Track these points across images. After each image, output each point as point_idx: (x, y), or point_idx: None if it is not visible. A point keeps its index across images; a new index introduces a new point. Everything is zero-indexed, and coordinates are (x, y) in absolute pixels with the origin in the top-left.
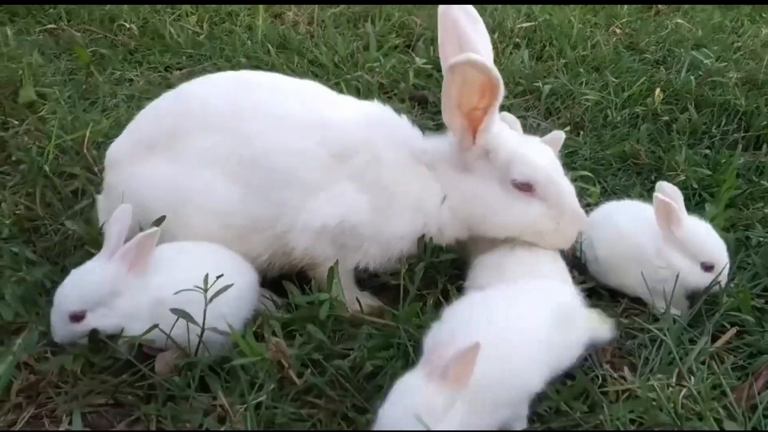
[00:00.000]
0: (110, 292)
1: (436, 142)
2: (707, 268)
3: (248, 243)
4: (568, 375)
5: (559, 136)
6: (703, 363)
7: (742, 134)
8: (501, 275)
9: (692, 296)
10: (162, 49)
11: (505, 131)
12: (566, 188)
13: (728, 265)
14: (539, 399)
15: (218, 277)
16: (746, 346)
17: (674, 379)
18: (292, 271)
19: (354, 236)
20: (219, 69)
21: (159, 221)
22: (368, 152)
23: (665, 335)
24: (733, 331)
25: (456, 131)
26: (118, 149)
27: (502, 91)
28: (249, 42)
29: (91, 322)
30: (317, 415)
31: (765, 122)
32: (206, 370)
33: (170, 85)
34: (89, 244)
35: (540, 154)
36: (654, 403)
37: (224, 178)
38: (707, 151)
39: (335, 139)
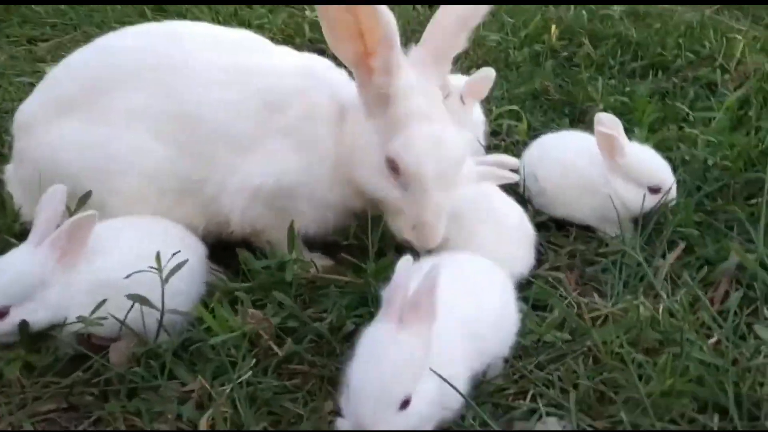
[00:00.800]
0: (37, 283)
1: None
2: (654, 190)
3: (181, 209)
4: (543, 307)
5: (489, 74)
6: (665, 280)
7: (639, 63)
8: (459, 221)
9: (636, 219)
10: (21, 20)
11: (422, 94)
12: (433, 201)
13: (675, 184)
14: (522, 334)
15: (174, 254)
16: (696, 259)
17: (641, 298)
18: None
19: (290, 198)
20: (90, 38)
21: (86, 197)
22: (303, 106)
23: (636, 254)
24: (682, 246)
25: (347, 59)
26: (28, 111)
27: (386, 20)
28: (119, 6)
29: (16, 317)
30: (304, 386)
31: (657, 50)
32: (167, 355)
33: (39, 59)
34: (4, 231)
35: (433, 145)
36: (639, 322)
37: (152, 136)
38: (611, 81)
39: (267, 90)
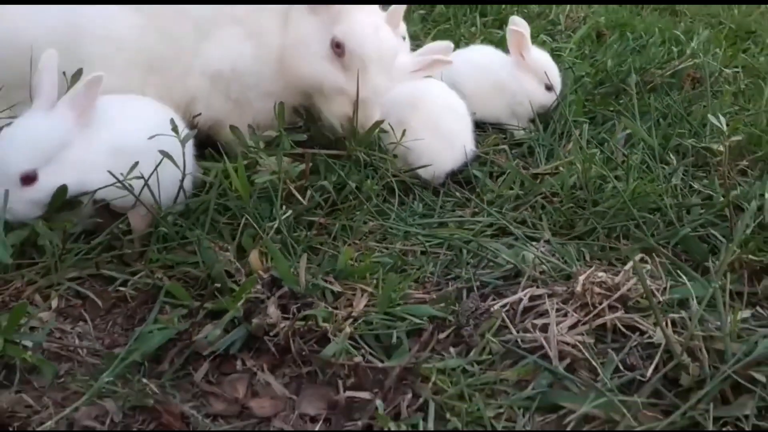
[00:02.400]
0: (60, 144)
1: None
2: (549, 88)
3: (150, 90)
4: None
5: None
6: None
7: (486, 19)
8: (418, 108)
9: (534, 120)
10: None
11: None
12: (372, 80)
13: (560, 87)
14: (484, 192)
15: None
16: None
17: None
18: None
19: (243, 87)
20: None
21: (78, 74)
22: None
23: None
24: (586, 127)
25: None
26: None
27: None
28: None
29: (47, 181)
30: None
31: (498, 9)
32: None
33: None
34: None
35: (375, 31)
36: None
37: (117, 6)
38: (472, 29)
39: None
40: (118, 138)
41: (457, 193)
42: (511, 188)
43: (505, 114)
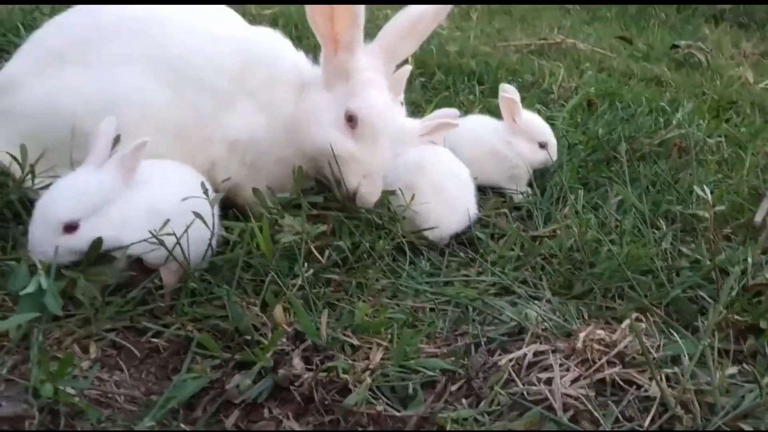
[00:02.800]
0: (106, 200)
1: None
2: (542, 145)
3: (177, 155)
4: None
5: (406, 69)
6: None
7: (483, 87)
8: (424, 173)
9: (531, 184)
10: None
11: (373, 72)
12: (380, 152)
13: (555, 143)
14: (487, 252)
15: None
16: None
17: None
18: None
19: (257, 153)
20: None
21: (116, 139)
22: (267, 71)
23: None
24: (581, 192)
25: (319, 35)
26: (13, 72)
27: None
28: None
29: (86, 232)
30: (338, 292)
31: (492, 78)
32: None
33: None
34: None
35: (384, 106)
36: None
37: (147, 76)
38: (470, 96)
39: (240, 52)
40: (155, 199)
41: (462, 254)
42: (512, 249)
43: (503, 178)
